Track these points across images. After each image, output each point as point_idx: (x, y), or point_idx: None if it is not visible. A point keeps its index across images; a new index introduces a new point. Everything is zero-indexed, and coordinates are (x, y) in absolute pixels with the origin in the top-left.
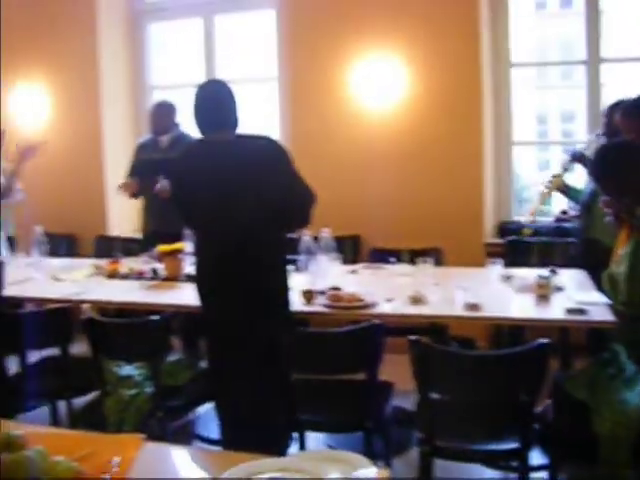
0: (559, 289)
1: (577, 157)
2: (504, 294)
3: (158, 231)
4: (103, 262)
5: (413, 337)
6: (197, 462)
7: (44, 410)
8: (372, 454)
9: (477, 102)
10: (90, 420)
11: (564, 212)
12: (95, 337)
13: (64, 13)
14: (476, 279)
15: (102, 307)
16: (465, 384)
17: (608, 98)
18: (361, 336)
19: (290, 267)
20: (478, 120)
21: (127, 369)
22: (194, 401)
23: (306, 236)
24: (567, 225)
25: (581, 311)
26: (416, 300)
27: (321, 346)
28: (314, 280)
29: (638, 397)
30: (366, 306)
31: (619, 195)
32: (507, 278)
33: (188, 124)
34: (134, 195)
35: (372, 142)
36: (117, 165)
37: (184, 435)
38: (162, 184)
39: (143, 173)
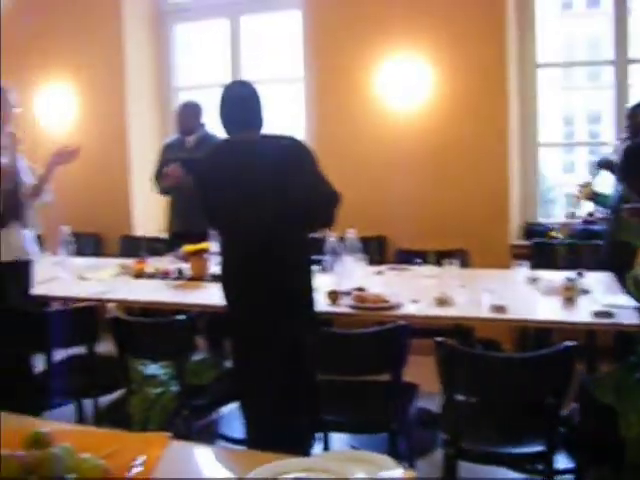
0: (585, 292)
1: (604, 164)
2: (530, 296)
3: (184, 231)
4: (129, 262)
5: (439, 339)
6: (222, 461)
7: (69, 408)
8: (396, 455)
9: (503, 103)
10: (115, 418)
11: (590, 214)
12: (121, 336)
13: (90, 14)
14: (502, 281)
15: (127, 306)
16: (491, 386)
17: (636, 99)
18: (386, 337)
19: (315, 267)
20: (504, 121)
21: (152, 368)
22: (219, 400)
23: (332, 237)
24: (594, 227)
25: (608, 314)
26: (442, 302)
27: (346, 347)
28: (339, 281)
29: None
30: (391, 307)
31: None
32: (533, 280)
33: (214, 124)
34: (166, 191)
35: (398, 143)
36: (142, 165)
37: (208, 434)
38: (174, 168)
39: None
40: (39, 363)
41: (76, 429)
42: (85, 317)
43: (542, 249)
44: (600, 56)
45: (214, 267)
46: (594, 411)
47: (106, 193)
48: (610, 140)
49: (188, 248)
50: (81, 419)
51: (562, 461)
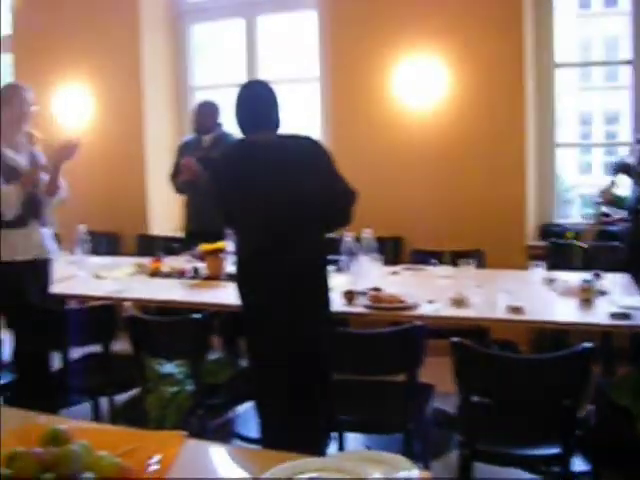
0: (603, 293)
1: (620, 168)
2: (547, 297)
3: (200, 230)
4: (145, 261)
5: (455, 339)
6: (237, 461)
7: (85, 406)
8: (411, 456)
9: (520, 103)
10: (131, 416)
11: (606, 215)
12: (137, 335)
13: (107, 14)
14: (518, 282)
15: (143, 305)
16: (507, 387)
17: None
18: (403, 337)
19: (331, 267)
20: (521, 121)
21: (168, 367)
22: (234, 400)
23: (348, 237)
24: (611, 228)
25: (625, 316)
26: (458, 302)
27: (362, 347)
28: (355, 281)
29: None
30: (407, 307)
31: None
32: (550, 281)
33: (230, 124)
34: (183, 190)
35: (414, 143)
36: (159, 165)
37: (224, 433)
38: (188, 160)
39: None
40: (55, 361)
41: (93, 427)
42: (101, 316)
43: (559, 250)
44: (617, 56)
45: (230, 266)
46: (611, 413)
47: (123, 192)
48: (627, 141)
49: (204, 247)
50: (97, 417)
51: (578, 463)
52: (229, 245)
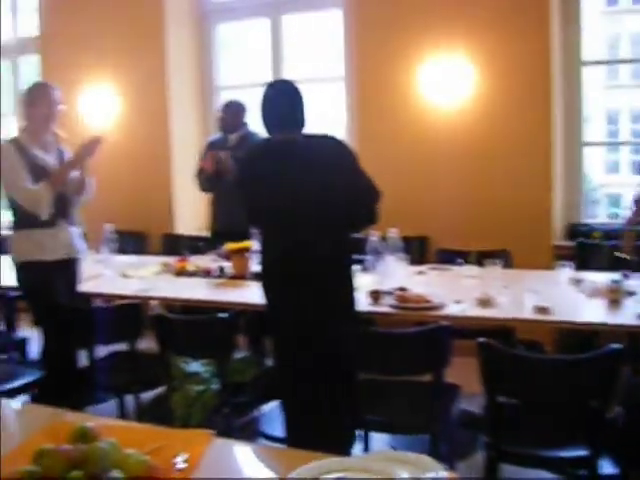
0: (631, 294)
1: None
2: (574, 298)
3: (226, 229)
4: (171, 260)
5: (482, 339)
6: (263, 460)
7: (111, 404)
8: (436, 456)
9: (547, 101)
10: (156, 414)
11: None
12: (163, 333)
13: (132, 14)
14: (545, 282)
15: (168, 304)
16: (534, 388)
17: None
18: (429, 337)
19: (357, 267)
20: (548, 120)
21: (194, 365)
22: (259, 398)
23: (373, 236)
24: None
25: None
26: (484, 302)
27: (388, 346)
28: (381, 280)
29: None
30: (434, 307)
31: None
32: (577, 281)
33: (256, 123)
34: (208, 189)
35: (440, 142)
36: (185, 164)
37: (249, 432)
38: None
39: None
40: (83, 359)
41: (120, 424)
42: (128, 314)
43: (586, 250)
44: None
45: (256, 266)
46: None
47: (149, 191)
48: None
49: (230, 246)
50: (123, 415)
51: (606, 466)
52: (255, 244)
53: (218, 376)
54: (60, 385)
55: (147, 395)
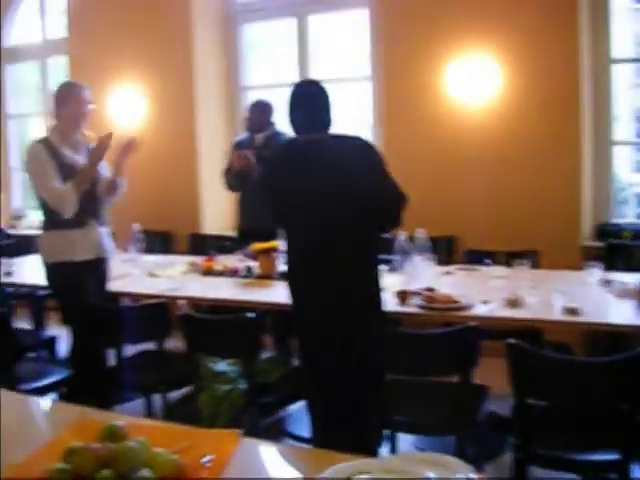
0: None
1: None
2: (603, 299)
3: (253, 229)
4: (198, 259)
5: (511, 340)
6: (290, 460)
7: (138, 402)
8: (464, 458)
9: (575, 100)
10: (184, 414)
11: None
12: (191, 333)
13: (159, 15)
14: (574, 283)
15: (195, 303)
16: (564, 390)
17: None
18: (457, 338)
19: (384, 267)
20: (576, 119)
21: (221, 365)
22: (286, 398)
23: (401, 236)
24: None
25: None
26: (512, 303)
27: (416, 347)
28: (409, 280)
29: None
30: (461, 308)
31: None
32: (606, 282)
33: (282, 123)
34: (235, 188)
35: (467, 142)
36: (211, 164)
37: (275, 432)
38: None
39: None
40: (111, 358)
41: (148, 423)
42: (155, 313)
43: (616, 250)
44: None
45: (282, 265)
46: None
47: (175, 191)
48: None
49: (257, 246)
50: (150, 414)
51: (638, 471)
52: (281, 244)
53: (245, 376)
54: (88, 384)
55: (174, 394)
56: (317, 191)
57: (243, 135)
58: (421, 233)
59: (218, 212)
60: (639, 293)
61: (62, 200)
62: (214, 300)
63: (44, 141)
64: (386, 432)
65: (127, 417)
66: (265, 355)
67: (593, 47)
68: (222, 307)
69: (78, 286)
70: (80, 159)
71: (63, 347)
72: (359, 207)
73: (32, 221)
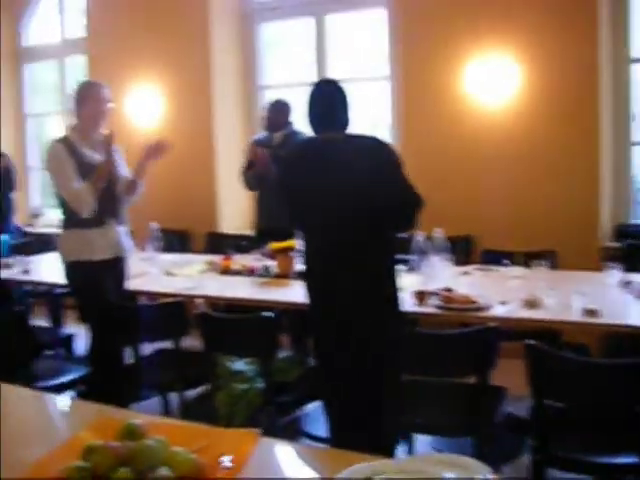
0: None
1: None
2: (623, 300)
3: (270, 228)
4: (215, 258)
5: (530, 341)
6: (307, 460)
7: (154, 401)
8: (481, 459)
9: (594, 100)
10: (200, 412)
11: None
12: (208, 332)
13: (177, 15)
14: (593, 284)
15: (213, 302)
16: (583, 392)
17: None
18: (475, 339)
19: (401, 267)
20: (595, 119)
21: (239, 364)
22: (303, 398)
23: (419, 236)
24: None
25: None
26: (531, 304)
27: (433, 347)
28: (426, 281)
29: None
30: (480, 308)
31: None
32: (626, 283)
33: (300, 122)
34: (253, 187)
35: (485, 142)
36: (229, 163)
37: (292, 431)
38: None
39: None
40: (128, 356)
41: (166, 422)
42: (173, 312)
43: (635, 251)
44: None
45: (300, 265)
46: None
47: (193, 190)
48: None
49: (274, 245)
50: (167, 412)
51: None
52: (299, 243)
53: (262, 375)
54: (106, 382)
55: (191, 393)
56: (334, 191)
57: (261, 134)
58: (439, 233)
59: (235, 211)
60: None
61: (79, 200)
62: (231, 299)
63: (64, 140)
64: (403, 433)
65: (145, 415)
66: (282, 354)
67: (612, 46)
68: (239, 306)
69: (96, 285)
70: (99, 158)
71: (80, 345)
72: (374, 207)
73: (50, 219)
